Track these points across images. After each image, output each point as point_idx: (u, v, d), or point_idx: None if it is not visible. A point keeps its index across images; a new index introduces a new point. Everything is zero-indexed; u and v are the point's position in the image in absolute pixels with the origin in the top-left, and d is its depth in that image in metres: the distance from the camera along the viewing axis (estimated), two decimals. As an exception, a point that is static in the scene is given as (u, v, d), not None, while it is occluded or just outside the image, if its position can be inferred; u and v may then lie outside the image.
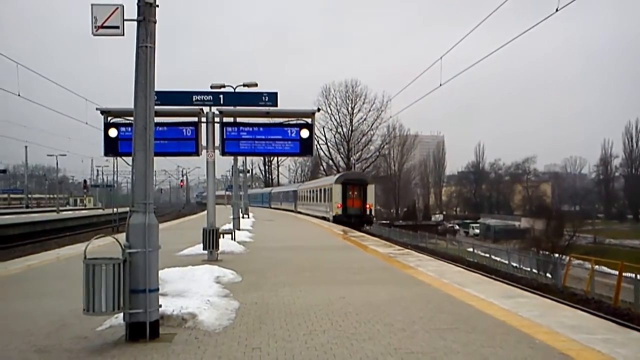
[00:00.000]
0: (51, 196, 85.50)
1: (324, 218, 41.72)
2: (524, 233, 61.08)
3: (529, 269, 28.96)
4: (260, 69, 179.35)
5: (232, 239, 18.14)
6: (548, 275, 27.94)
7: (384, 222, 76.63)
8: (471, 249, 39.26)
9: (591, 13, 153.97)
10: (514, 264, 31.35)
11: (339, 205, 40.00)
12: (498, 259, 34.26)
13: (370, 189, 41.18)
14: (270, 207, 74.96)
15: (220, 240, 14.68)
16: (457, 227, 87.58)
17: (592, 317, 8.34)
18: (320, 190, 46.22)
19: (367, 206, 40.17)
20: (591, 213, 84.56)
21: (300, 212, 53.73)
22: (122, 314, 6.13)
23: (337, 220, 38.50)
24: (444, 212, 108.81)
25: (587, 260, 25.82)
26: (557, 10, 13.29)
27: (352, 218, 39.05)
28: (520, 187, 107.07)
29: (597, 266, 23.65)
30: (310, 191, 52.16)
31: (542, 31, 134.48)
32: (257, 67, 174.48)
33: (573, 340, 6.24)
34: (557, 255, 35.87)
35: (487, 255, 35.98)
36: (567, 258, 29.24)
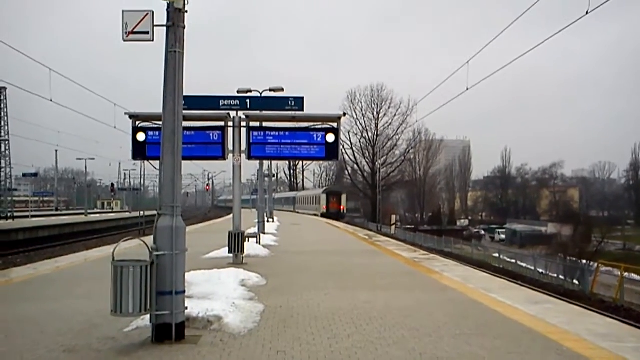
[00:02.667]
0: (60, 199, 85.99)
1: (315, 215, 59.99)
2: (550, 239, 60.11)
3: (555, 275, 28.54)
4: (296, 76, 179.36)
5: (257, 242, 18.22)
6: (575, 281, 27.50)
7: (408, 226, 76.26)
8: (497, 255, 38.82)
9: (631, 15, 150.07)
10: (541, 270, 30.93)
11: (324, 207, 61.43)
12: (524, 264, 33.81)
13: (344, 197, 64.50)
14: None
15: (246, 244, 14.74)
16: (482, 232, 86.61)
17: (621, 325, 8.21)
18: (313, 197, 68.29)
19: (341, 207, 62.60)
20: (620, 219, 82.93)
21: (297, 212, 68.79)
22: (148, 316, 6.19)
23: (323, 215, 58.11)
24: (470, 217, 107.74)
25: (616, 267, 25.35)
26: (587, 12, 13.13)
27: (332, 215, 58.20)
28: (548, 192, 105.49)
29: (626, 273, 23.21)
30: (306, 198, 73.53)
31: (575, 33, 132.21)
32: (293, 74, 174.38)
33: (602, 349, 6.14)
34: (584, 261, 35.25)
35: (513, 261, 35.55)
36: (595, 264, 28.74)
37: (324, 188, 70.13)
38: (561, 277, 28.26)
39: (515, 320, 7.55)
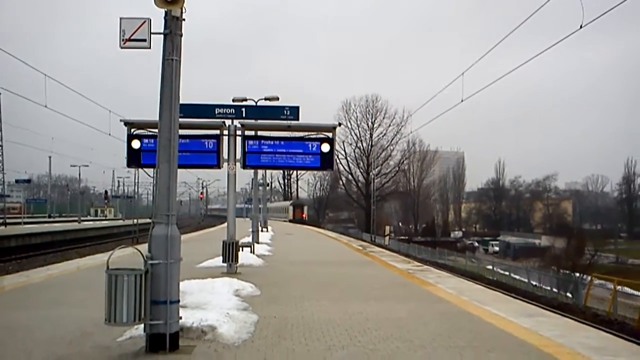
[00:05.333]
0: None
1: (284, 220, 74.15)
2: (544, 251, 60.25)
3: (549, 288, 28.59)
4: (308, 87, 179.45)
5: (251, 252, 18.14)
6: (568, 294, 27.55)
7: (402, 237, 76.29)
8: (490, 267, 38.88)
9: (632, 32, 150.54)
10: (534, 283, 30.99)
11: (291, 215, 78.13)
12: (517, 277, 33.89)
13: (305, 208, 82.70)
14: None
15: (240, 253, 14.69)
16: (476, 244, 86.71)
17: (615, 338, 8.20)
18: (284, 208, 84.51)
19: (303, 215, 78.56)
20: (613, 232, 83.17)
21: (270, 218, 75.54)
22: (142, 325, 6.14)
23: (290, 221, 72.73)
24: (463, 229, 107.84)
25: (610, 280, 25.38)
26: (581, 27, 13.20)
27: (297, 221, 72.45)
28: (541, 204, 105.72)
29: (619, 286, 23.25)
30: (279, 208, 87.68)
31: (571, 49, 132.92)
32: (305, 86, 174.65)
33: (597, 362, 6.13)
34: (578, 274, 35.32)
35: (507, 273, 35.61)
36: (589, 277, 28.78)
37: (291, 201, 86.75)
38: (554, 289, 28.31)
39: (509, 332, 7.54)
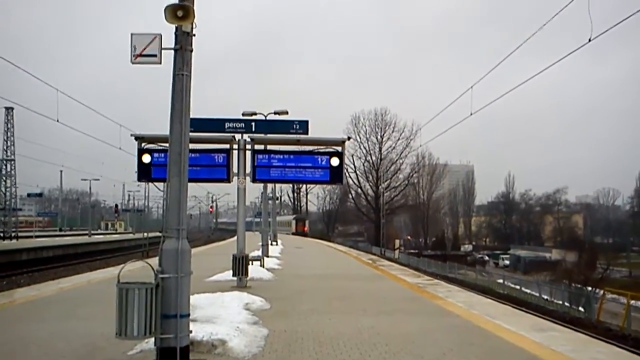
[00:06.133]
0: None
1: (287, 233, 73.93)
2: (555, 265, 59.76)
3: (560, 302, 28.34)
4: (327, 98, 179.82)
5: (261, 265, 18.16)
6: (580, 309, 27.29)
7: (412, 251, 75.99)
8: (501, 281, 38.61)
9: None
10: (545, 297, 30.73)
11: (294, 228, 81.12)
12: (528, 291, 33.64)
13: (307, 222, 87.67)
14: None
15: (250, 267, 14.69)
16: (486, 257, 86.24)
17: (629, 354, 8.14)
18: (287, 221, 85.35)
19: (305, 229, 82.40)
20: (625, 246, 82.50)
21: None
22: (153, 339, 6.14)
23: (293, 234, 76.13)
24: (473, 243, 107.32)
25: (623, 295, 25.16)
26: (589, 40, 13.19)
27: (299, 233, 77.35)
28: (551, 218, 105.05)
29: (633, 301, 23.02)
30: (282, 222, 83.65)
31: (581, 61, 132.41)
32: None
33: (610, 377, 6.07)
34: (590, 288, 35.00)
35: (518, 287, 35.35)
36: (601, 292, 28.53)
37: (294, 215, 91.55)
38: (566, 304, 28.05)
39: (521, 347, 7.48)
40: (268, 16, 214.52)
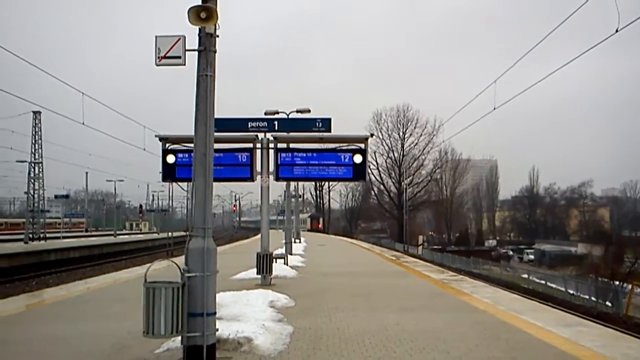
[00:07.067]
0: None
1: (303, 230, 72.07)
2: (580, 259, 58.85)
3: (587, 297, 27.97)
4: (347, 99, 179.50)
5: (285, 263, 18.22)
6: (608, 303, 26.91)
7: (436, 247, 75.61)
8: (526, 276, 38.21)
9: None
10: (571, 291, 30.36)
11: (309, 226, 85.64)
12: (554, 285, 33.26)
13: (321, 219, 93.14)
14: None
15: (274, 265, 14.76)
16: (511, 252, 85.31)
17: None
18: (303, 219, 79.25)
19: (319, 226, 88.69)
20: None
21: None
22: (180, 337, 6.21)
23: (308, 231, 78.19)
24: (498, 238, 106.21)
25: (651, 289, 24.77)
26: (617, 30, 13.01)
27: (313, 230, 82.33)
28: (577, 211, 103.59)
29: (662, 295, 22.65)
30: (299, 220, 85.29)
31: (606, 54, 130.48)
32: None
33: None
34: (617, 282, 34.46)
35: (543, 281, 34.97)
36: (629, 286, 28.08)
37: (309, 214, 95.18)
38: (593, 298, 27.67)
39: (548, 342, 7.42)
40: (292, 20, 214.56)
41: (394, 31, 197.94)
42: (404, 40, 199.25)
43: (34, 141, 54.00)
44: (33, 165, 54.15)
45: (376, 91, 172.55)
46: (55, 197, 68.48)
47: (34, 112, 52.80)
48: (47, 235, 56.23)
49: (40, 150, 54.50)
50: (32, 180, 54.39)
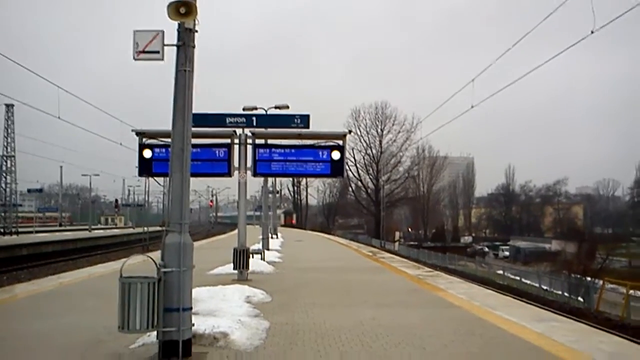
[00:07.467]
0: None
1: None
2: (554, 256, 59.76)
3: (560, 292, 28.42)
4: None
5: (261, 259, 18.20)
6: (580, 299, 27.37)
7: (412, 243, 76.11)
8: (501, 272, 38.70)
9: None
10: (545, 287, 30.82)
11: (283, 221, 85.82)
12: (528, 281, 33.74)
13: (294, 216, 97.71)
14: None
15: (250, 260, 14.74)
16: (486, 249, 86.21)
17: (631, 343, 8.19)
18: (277, 215, 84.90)
19: (293, 221, 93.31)
20: (625, 236, 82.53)
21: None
22: (155, 332, 6.19)
23: (282, 226, 77.00)
24: (473, 234, 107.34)
25: (622, 285, 25.23)
26: (592, 32, 13.21)
27: (287, 226, 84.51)
28: (551, 209, 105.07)
29: (632, 290, 23.09)
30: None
31: (583, 56, 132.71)
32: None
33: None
34: (589, 278, 35.07)
35: (518, 277, 35.44)
36: (601, 282, 28.60)
37: (283, 210, 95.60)
38: (566, 294, 28.13)
39: (522, 338, 7.53)
40: (288, 16, 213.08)
41: (393, 29, 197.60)
42: (404, 38, 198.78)
43: (6, 134, 53.22)
44: (5, 158, 53.36)
45: (355, 88, 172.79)
46: (29, 191, 67.58)
47: (7, 105, 52.05)
48: (20, 229, 55.42)
49: (13, 144, 53.74)
50: (4, 174, 53.59)
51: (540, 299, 23.86)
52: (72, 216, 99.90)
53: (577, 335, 7.90)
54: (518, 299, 15.41)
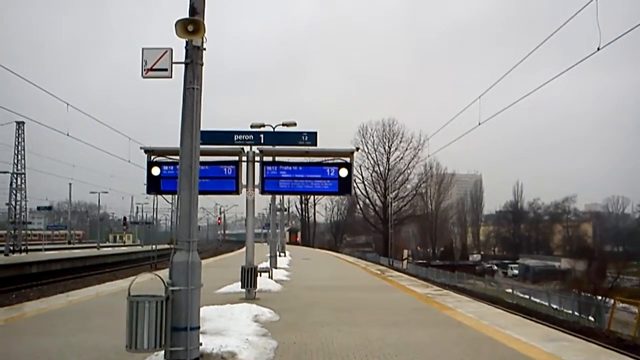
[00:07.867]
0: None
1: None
2: (564, 274, 59.38)
3: (570, 312, 28.13)
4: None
5: (269, 277, 18.13)
6: (591, 318, 27.08)
7: (420, 261, 75.73)
8: (510, 290, 38.40)
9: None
10: (555, 306, 30.54)
11: (288, 239, 78.72)
12: (538, 300, 33.46)
13: (299, 233, 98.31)
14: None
15: (258, 279, 14.68)
16: (495, 267, 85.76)
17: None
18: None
19: (297, 239, 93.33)
20: (636, 254, 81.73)
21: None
22: (163, 352, 6.15)
23: (287, 243, 72.70)
24: (482, 252, 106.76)
25: (634, 304, 24.94)
26: (598, 49, 13.19)
27: (292, 243, 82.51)
28: (560, 227, 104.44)
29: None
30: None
31: (591, 72, 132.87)
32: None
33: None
34: (600, 297, 34.72)
35: (527, 296, 35.15)
36: (612, 301, 28.28)
37: (288, 227, 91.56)
38: (576, 313, 27.84)
39: (531, 357, 7.44)
40: (293, 35, 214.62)
41: (394, 46, 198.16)
42: (406, 55, 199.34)
43: (16, 152, 53.49)
44: (15, 176, 53.58)
45: (362, 106, 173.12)
46: (38, 208, 67.77)
47: (17, 123, 52.36)
48: (29, 247, 55.54)
49: (23, 161, 53.96)
50: (14, 192, 53.80)
51: (550, 318, 23.60)
52: (85, 234, 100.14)
53: (587, 355, 7.81)
54: (527, 318, 15.24)
